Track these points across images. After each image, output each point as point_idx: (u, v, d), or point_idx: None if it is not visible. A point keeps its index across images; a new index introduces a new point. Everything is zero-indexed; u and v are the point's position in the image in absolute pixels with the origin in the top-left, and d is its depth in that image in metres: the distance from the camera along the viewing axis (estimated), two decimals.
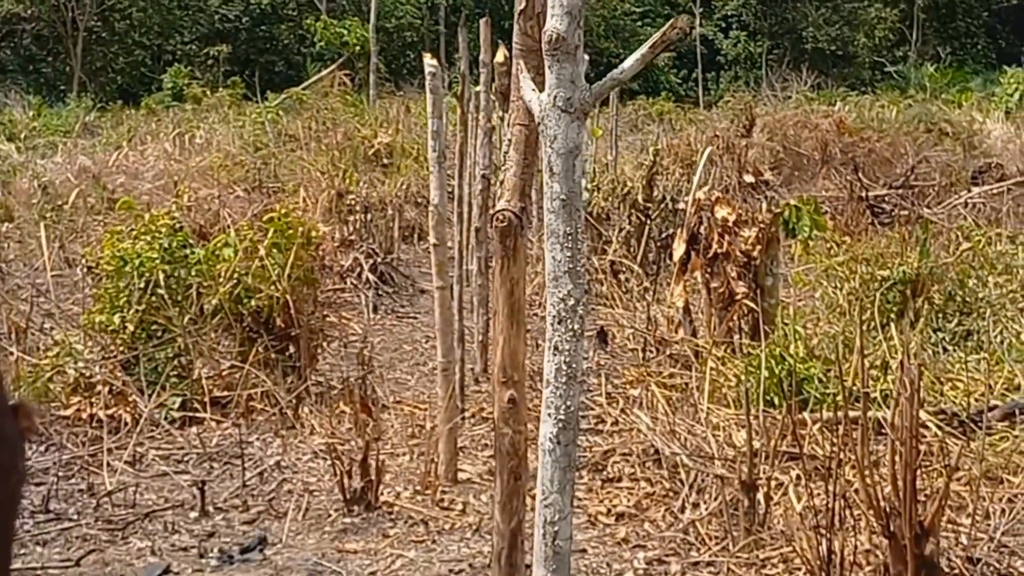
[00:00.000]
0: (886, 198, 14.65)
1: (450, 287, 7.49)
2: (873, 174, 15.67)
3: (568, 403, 2.71)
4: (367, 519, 6.05)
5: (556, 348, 2.66)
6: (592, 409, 7.45)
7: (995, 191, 15.00)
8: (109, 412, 7.40)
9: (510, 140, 4.23)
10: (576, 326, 2.62)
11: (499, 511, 4.30)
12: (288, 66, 40.88)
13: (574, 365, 2.67)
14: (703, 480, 6.07)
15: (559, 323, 2.62)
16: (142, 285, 8.07)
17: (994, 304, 8.83)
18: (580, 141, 2.57)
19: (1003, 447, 6.47)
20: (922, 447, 5.36)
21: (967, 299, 8.89)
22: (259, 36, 43.19)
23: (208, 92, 30.13)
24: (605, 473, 6.44)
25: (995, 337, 8.37)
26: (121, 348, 7.99)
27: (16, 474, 0.77)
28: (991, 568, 5.30)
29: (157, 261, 8.15)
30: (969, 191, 15.01)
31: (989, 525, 5.63)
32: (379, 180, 15.18)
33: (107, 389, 7.57)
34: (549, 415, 2.75)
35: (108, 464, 6.69)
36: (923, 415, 5.62)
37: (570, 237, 2.55)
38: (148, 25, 42.63)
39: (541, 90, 2.69)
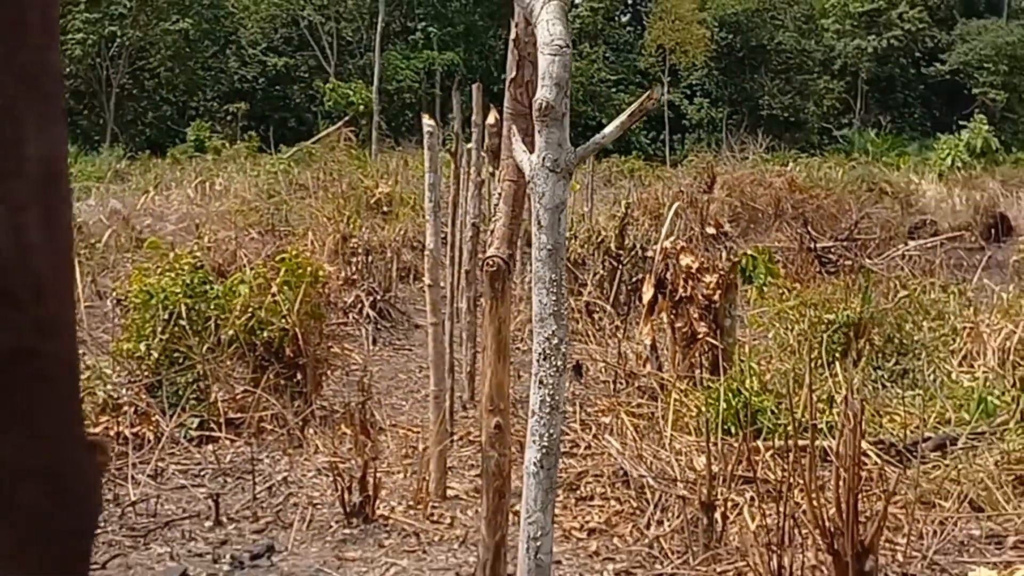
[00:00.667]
0: (832, 249, 14.73)
1: (442, 323, 7.51)
2: (821, 227, 15.75)
3: (551, 431, 2.73)
4: (365, 530, 6.03)
5: (541, 382, 2.68)
6: (568, 434, 7.44)
7: (929, 245, 15.10)
8: (134, 430, 7.36)
9: (500, 194, 4.27)
10: (559, 363, 2.65)
11: (484, 526, 4.31)
12: (299, 122, 41.00)
13: (557, 397, 2.69)
14: (667, 500, 6.07)
15: (544, 359, 2.64)
16: (166, 317, 8.06)
17: (928, 346, 8.87)
18: (565, 197, 2.60)
19: (935, 475, 6.49)
20: (863, 473, 5.39)
21: (904, 341, 8.93)
22: (273, 95, 43.35)
23: (227, 144, 30.24)
24: (578, 492, 6.43)
25: (929, 375, 8.41)
26: (146, 373, 7.97)
27: (95, 504, 0.78)
28: None
29: (180, 295, 8.14)
30: (906, 244, 15.11)
31: (923, 545, 5.64)
32: (379, 226, 15.20)
33: (132, 410, 7.53)
34: (534, 442, 2.77)
35: (132, 477, 6.65)
36: (864, 445, 5.63)
37: (555, 283, 2.58)
38: (174, 84, 42.77)
39: (530, 150, 2.73)
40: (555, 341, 2.61)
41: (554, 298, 2.58)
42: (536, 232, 2.60)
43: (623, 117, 2.72)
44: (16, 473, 0.71)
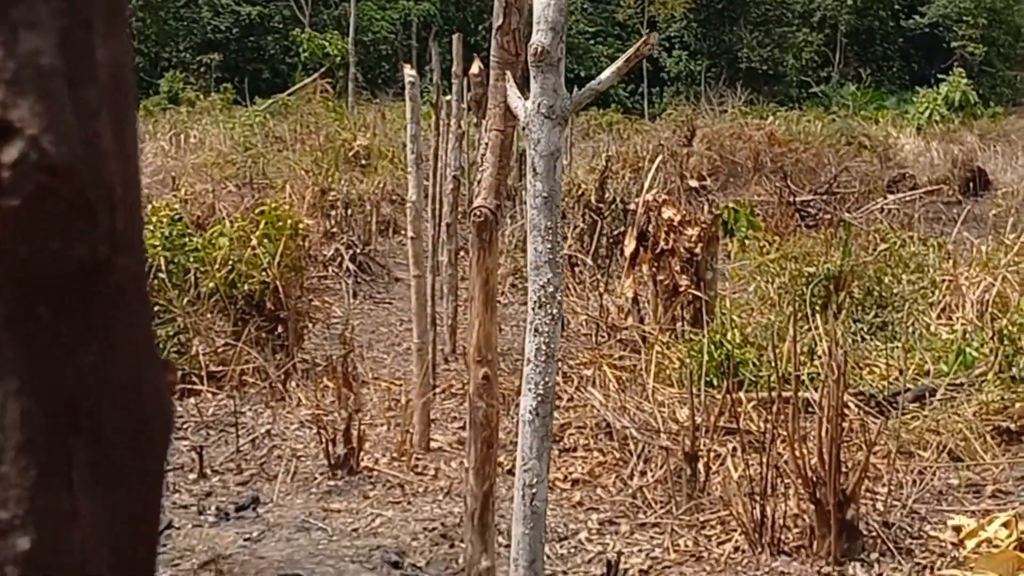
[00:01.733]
0: (812, 203, 14.76)
1: (424, 276, 7.51)
2: (800, 181, 15.77)
3: (546, 379, 2.74)
4: (349, 482, 6.06)
5: (537, 330, 2.68)
6: None
7: (908, 198, 15.17)
8: None
9: (487, 144, 4.24)
10: (554, 311, 2.65)
11: (472, 476, 4.32)
12: (274, 74, 40.56)
13: (552, 345, 2.70)
14: (649, 451, 6.12)
15: (539, 308, 2.64)
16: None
17: (907, 299, 8.93)
18: (560, 144, 2.59)
19: (915, 425, 6.57)
20: (845, 424, 5.44)
21: (883, 294, 8.99)
22: (248, 46, 42.82)
23: (201, 96, 29.89)
24: (562, 444, 6.48)
25: (908, 328, 8.48)
26: None
27: (169, 424, 0.79)
28: (903, 531, 5.39)
29: (158, 248, 8.09)
30: (885, 198, 15.16)
31: (902, 494, 5.73)
32: (358, 179, 15.10)
33: None
34: (529, 390, 2.78)
35: None
36: (846, 396, 5.69)
37: (550, 231, 2.58)
38: (146, 34, 42.17)
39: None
40: (550, 289, 2.61)
41: (549, 246, 2.58)
42: (531, 179, 2.59)
43: (619, 63, 2.71)
44: (98, 390, 0.71)
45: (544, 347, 2.68)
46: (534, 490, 2.87)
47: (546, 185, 2.55)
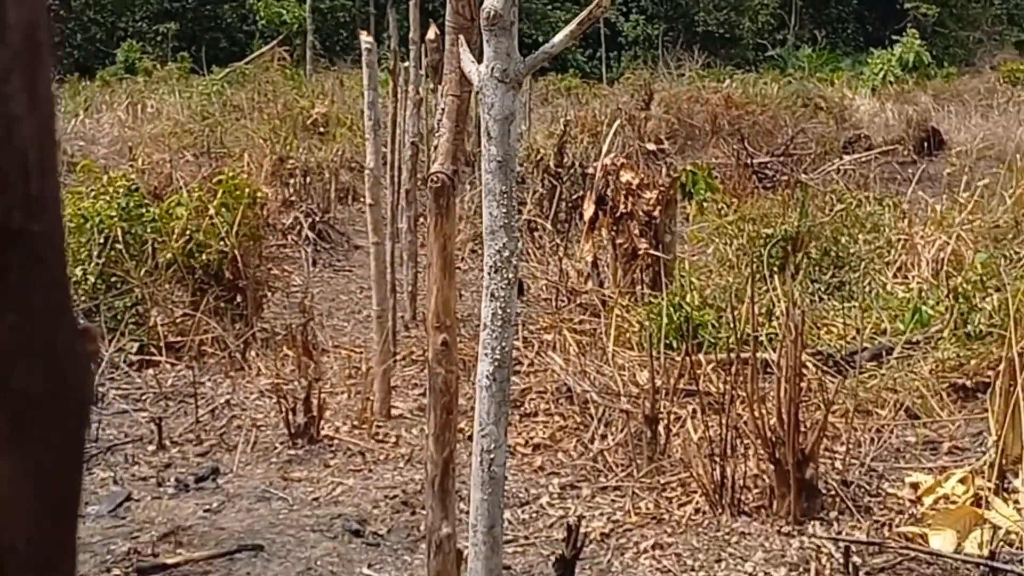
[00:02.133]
0: (769, 165, 14.76)
1: (384, 243, 7.41)
2: (757, 143, 15.76)
3: (503, 344, 2.68)
4: (310, 451, 5.99)
5: (492, 295, 2.62)
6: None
7: (863, 159, 15.20)
8: None
9: (443, 109, 4.15)
10: (511, 275, 2.59)
11: (432, 442, 4.25)
12: (231, 43, 39.97)
13: (508, 310, 2.64)
14: (610, 414, 6.09)
15: (495, 272, 2.57)
16: (101, 240, 7.86)
17: (863, 258, 8.95)
18: (515, 108, 2.52)
19: (872, 384, 6.59)
20: (803, 384, 5.43)
21: (840, 254, 9.00)
22: (204, 15, 42.18)
23: (159, 66, 29.43)
24: (522, 409, 6.43)
25: (864, 287, 8.50)
26: (83, 298, 7.78)
27: (88, 389, 0.75)
28: (862, 489, 5.40)
29: (115, 218, 7.95)
30: (841, 159, 15.19)
31: (860, 452, 5.74)
32: (316, 147, 14.93)
33: None
34: (486, 355, 2.72)
35: None
36: (804, 356, 5.68)
37: (505, 195, 2.50)
38: (102, 3, 41.43)
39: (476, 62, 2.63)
40: (506, 254, 2.54)
41: (504, 210, 2.51)
42: (485, 144, 2.52)
43: (572, 26, 2.63)
44: (11, 356, 0.69)
45: (500, 312, 2.61)
46: (492, 455, 2.81)
47: (500, 149, 2.48)
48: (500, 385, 2.78)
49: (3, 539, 0.68)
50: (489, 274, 2.58)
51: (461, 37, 3.10)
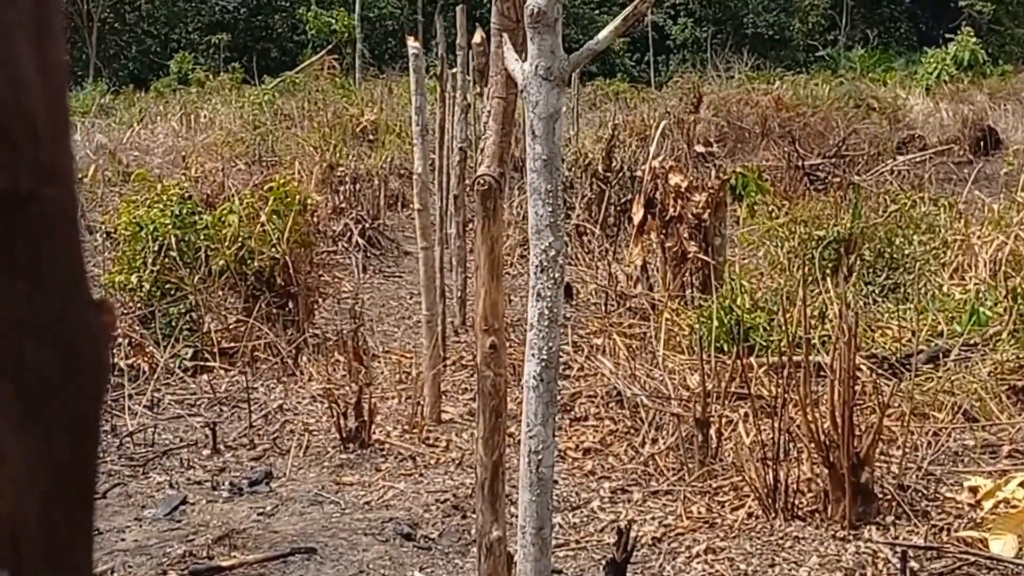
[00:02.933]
0: (820, 166, 14.61)
1: (432, 248, 7.43)
2: (808, 145, 15.60)
3: (550, 344, 2.67)
4: (361, 455, 6.01)
5: (539, 295, 2.61)
6: (560, 356, 7.40)
7: (918, 159, 15.00)
8: (129, 362, 7.31)
9: (489, 112, 4.16)
10: (557, 275, 2.57)
11: (482, 446, 4.25)
12: (282, 52, 40.39)
13: (555, 310, 2.63)
14: (661, 418, 6.05)
15: (541, 272, 2.56)
16: (156, 248, 7.96)
17: (918, 260, 8.81)
18: (560, 106, 2.50)
19: (929, 387, 6.47)
20: (857, 387, 5.35)
21: (894, 255, 8.87)
22: (256, 25, 42.67)
23: (211, 76, 29.81)
24: (573, 413, 6.40)
25: (920, 289, 8.37)
26: (138, 305, 7.90)
27: (104, 366, 0.74)
28: (919, 493, 5.31)
29: (169, 226, 8.04)
30: (895, 159, 14.99)
31: (917, 456, 5.64)
32: (366, 154, 15.02)
33: (127, 341, 7.47)
34: (533, 355, 2.71)
35: (129, 408, 6.61)
36: (858, 359, 5.60)
37: (551, 194, 2.49)
38: (155, 16, 42.07)
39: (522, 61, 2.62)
40: (552, 253, 2.53)
41: (550, 209, 2.49)
42: (530, 142, 2.51)
43: (616, 22, 2.61)
44: (22, 328, 0.67)
45: (547, 311, 2.60)
46: (540, 456, 2.80)
47: (545, 148, 2.47)
48: (547, 386, 2.77)
49: (16, 522, 0.67)
50: (535, 274, 2.57)
51: (506, 36, 3.10)
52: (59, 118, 0.69)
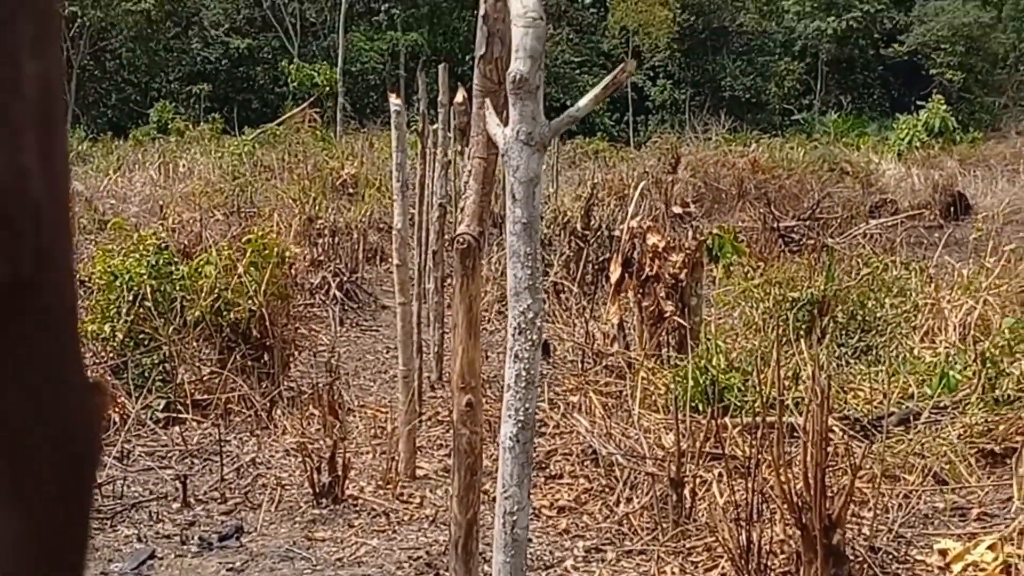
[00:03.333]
0: (795, 228, 14.76)
1: (410, 303, 7.45)
2: (783, 207, 15.78)
3: (527, 405, 2.69)
4: (334, 511, 5.97)
5: (516, 356, 2.63)
6: (536, 413, 7.40)
7: (890, 223, 15.19)
8: None
9: (470, 171, 4.20)
10: (535, 336, 2.60)
11: (456, 504, 4.25)
12: (263, 104, 40.62)
13: (532, 371, 2.65)
14: (636, 477, 6.06)
15: (519, 334, 2.59)
16: (130, 298, 7.94)
17: (890, 322, 8.90)
18: (540, 171, 2.55)
19: (900, 449, 6.52)
20: (829, 449, 5.38)
21: (867, 318, 8.95)
22: (237, 76, 42.92)
23: (191, 126, 29.90)
24: (548, 471, 6.40)
25: (891, 351, 8.44)
26: (111, 354, 7.86)
27: (96, 447, 0.76)
28: (890, 555, 5.33)
29: (145, 276, 8.03)
30: (867, 223, 15.18)
31: (888, 518, 5.67)
32: (345, 207, 15.07)
33: None
34: (509, 416, 2.73)
35: None
36: (830, 421, 5.63)
37: (530, 257, 2.53)
38: (136, 65, 42.25)
39: (502, 125, 2.67)
40: (530, 315, 2.57)
41: (529, 271, 2.53)
42: (510, 206, 2.55)
43: (597, 90, 2.67)
44: (17, 412, 0.68)
45: (524, 373, 2.63)
46: (515, 517, 2.81)
47: (525, 211, 2.51)
48: (523, 447, 2.78)
49: None
50: (513, 335, 2.60)
51: (488, 100, 3.15)
52: (60, 205, 0.72)
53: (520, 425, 2.72)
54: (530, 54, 2.51)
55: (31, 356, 0.68)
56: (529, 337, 2.59)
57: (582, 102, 2.70)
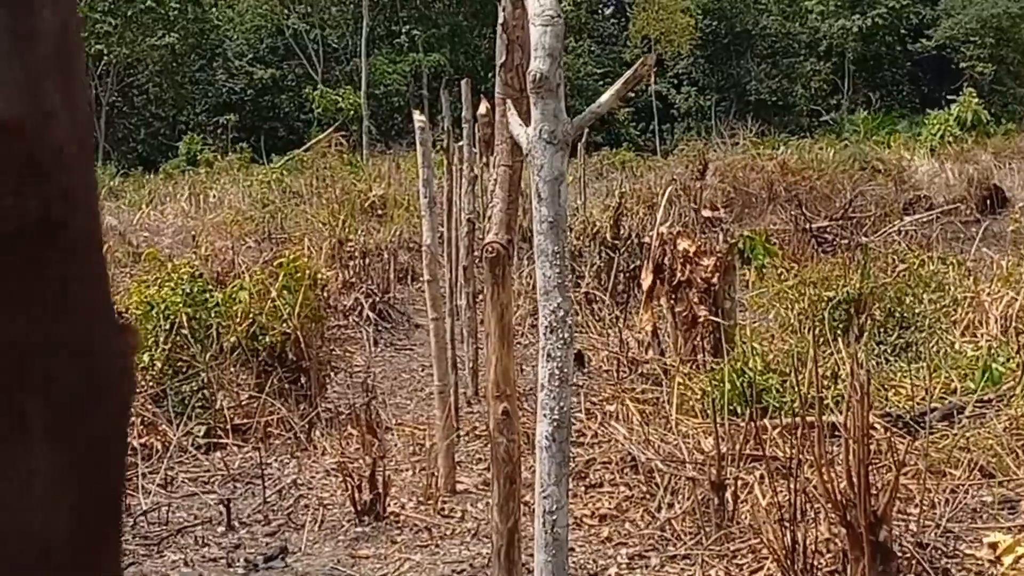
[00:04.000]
0: (828, 229, 14.70)
1: (443, 318, 7.49)
2: (815, 208, 15.72)
3: (561, 404, 2.72)
4: (376, 528, 6.01)
5: (549, 355, 2.66)
6: (574, 423, 7.42)
7: (925, 219, 15.09)
8: (142, 441, 7.34)
9: (495, 180, 4.24)
10: (566, 335, 2.63)
11: (497, 513, 4.28)
12: (289, 131, 40.98)
13: (565, 370, 2.68)
14: (676, 483, 6.05)
15: (551, 332, 2.62)
16: (167, 327, 8.04)
17: (929, 318, 8.85)
18: (564, 169, 2.58)
19: (944, 444, 6.48)
20: (872, 446, 5.35)
21: (905, 314, 8.90)
22: (262, 106, 43.34)
23: (219, 157, 30.23)
24: (588, 480, 6.41)
25: (932, 347, 8.39)
26: (151, 384, 7.95)
27: (129, 383, 0.79)
28: (938, 551, 5.29)
29: (180, 305, 8.12)
30: (902, 220, 15.08)
31: (935, 514, 5.62)
32: (375, 229, 15.18)
33: (139, 420, 7.51)
34: (544, 415, 2.76)
35: (142, 487, 6.63)
36: (872, 418, 5.61)
37: (558, 255, 2.56)
38: (163, 99, 42.78)
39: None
40: (560, 313, 2.60)
41: (557, 270, 2.56)
42: (536, 205, 2.58)
43: (618, 85, 2.70)
44: (51, 347, 0.72)
45: (557, 372, 2.66)
46: (554, 516, 2.83)
47: (551, 210, 2.54)
48: (560, 445, 2.81)
49: (44, 536, 0.70)
50: (544, 334, 2.63)
51: (510, 103, 3.19)
52: (84, 148, 0.75)
53: (556, 424, 2.74)
54: (549, 52, 2.55)
55: (63, 295, 0.72)
56: (560, 335, 2.62)
57: (603, 98, 2.74)
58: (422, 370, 9.78)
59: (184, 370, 7.97)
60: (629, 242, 11.61)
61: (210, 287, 8.77)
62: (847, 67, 43.36)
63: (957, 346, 8.54)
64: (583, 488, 6.24)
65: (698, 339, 8.53)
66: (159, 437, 7.37)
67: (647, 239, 10.01)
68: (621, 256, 11.40)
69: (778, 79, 42.37)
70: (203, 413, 7.76)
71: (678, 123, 41.52)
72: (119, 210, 20.57)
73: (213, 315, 8.32)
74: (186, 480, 6.96)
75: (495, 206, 4.13)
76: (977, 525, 5.61)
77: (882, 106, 40.50)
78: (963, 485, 5.98)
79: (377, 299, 11.51)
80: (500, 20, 3.86)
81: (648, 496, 6.09)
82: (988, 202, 17.50)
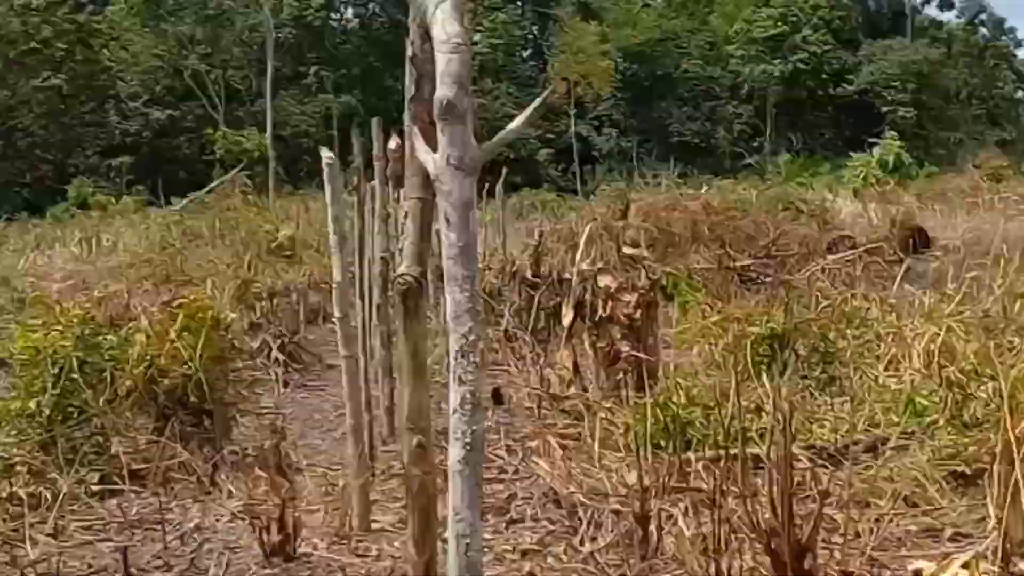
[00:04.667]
0: (751, 267, 15.07)
1: (356, 356, 7.52)
2: (739, 247, 16.10)
3: (473, 427, 2.82)
4: (286, 570, 6.00)
5: (460, 379, 2.78)
6: (494, 461, 7.50)
7: (848, 258, 15.54)
8: (29, 490, 7.22)
9: (407, 212, 4.32)
10: (477, 359, 2.75)
11: (412, 546, 4.34)
12: (190, 173, 40.62)
13: (476, 393, 2.79)
14: (599, 516, 6.15)
15: (462, 357, 2.74)
16: (56, 372, 7.94)
17: (853, 353, 9.13)
18: (473, 195, 2.72)
19: (868, 474, 6.69)
20: (796, 477, 5.53)
21: (829, 349, 9.18)
22: (160, 147, 42.98)
23: (113, 200, 29.88)
24: (508, 515, 6.48)
25: (855, 381, 8.65)
26: (38, 431, 7.83)
27: None
28: None
29: (70, 348, 8.03)
30: (825, 259, 15.51)
31: (860, 543, 5.80)
32: (283, 269, 15.16)
33: (26, 469, 7.40)
34: (456, 439, 2.86)
35: (30, 537, 6.52)
36: (796, 450, 5.79)
37: (468, 279, 2.68)
38: (50, 142, 42.14)
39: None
40: (472, 337, 2.72)
41: (468, 295, 2.68)
42: (446, 231, 2.71)
43: (528, 112, 2.85)
44: None
45: (469, 395, 2.77)
46: (468, 540, 2.92)
47: (461, 236, 2.66)
48: (472, 469, 2.90)
49: None
50: (456, 359, 2.75)
51: (417, 130, 3.31)
52: None
53: (468, 447, 2.85)
54: (455, 80, 2.69)
55: None
56: (472, 360, 2.74)
57: (513, 124, 2.88)
58: (335, 411, 9.76)
59: (75, 416, 7.88)
60: (550, 280, 11.79)
61: (103, 330, 8.69)
62: (769, 110, 44.55)
63: (881, 380, 8.81)
64: (504, 524, 6.31)
65: (621, 375, 8.69)
66: (48, 486, 7.26)
67: (568, 276, 10.19)
68: (541, 294, 11.56)
69: (700, 121, 43.35)
70: (96, 459, 7.67)
71: (599, 164, 42.16)
72: (2, 256, 20.21)
73: (107, 359, 8.24)
74: (79, 529, 6.86)
75: (407, 238, 4.22)
76: (902, 553, 5.81)
77: (805, 149, 41.64)
78: (888, 515, 6.19)
79: (286, 340, 11.49)
80: (409, 54, 3.97)
81: (571, 531, 6.18)
82: (911, 242, 18.09)
